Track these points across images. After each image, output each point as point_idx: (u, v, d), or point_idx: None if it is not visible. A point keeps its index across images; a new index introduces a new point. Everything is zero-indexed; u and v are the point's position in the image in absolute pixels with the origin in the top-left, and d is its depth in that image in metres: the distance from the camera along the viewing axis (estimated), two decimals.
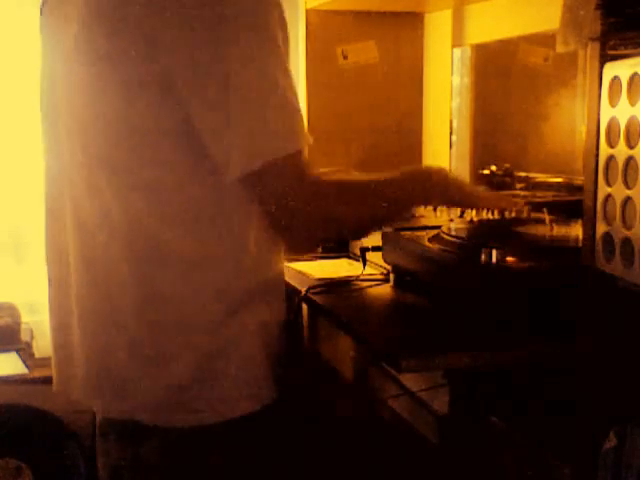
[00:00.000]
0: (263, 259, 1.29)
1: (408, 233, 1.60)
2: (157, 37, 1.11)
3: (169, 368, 1.21)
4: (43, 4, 1.37)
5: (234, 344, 1.25)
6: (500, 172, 2.33)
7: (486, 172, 2.36)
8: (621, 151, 1.06)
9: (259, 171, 1.14)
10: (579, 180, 1.26)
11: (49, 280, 1.36)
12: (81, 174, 1.26)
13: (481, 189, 1.56)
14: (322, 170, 1.30)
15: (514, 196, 2.04)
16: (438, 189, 1.40)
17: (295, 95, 1.18)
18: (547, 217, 1.59)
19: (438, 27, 2.61)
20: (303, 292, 1.58)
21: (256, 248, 1.27)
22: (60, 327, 1.34)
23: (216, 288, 1.23)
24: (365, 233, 1.44)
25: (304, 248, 1.25)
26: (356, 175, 1.39)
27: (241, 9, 1.12)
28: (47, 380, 2.47)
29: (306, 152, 1.18)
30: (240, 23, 1.11)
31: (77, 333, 1.28)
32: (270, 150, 1.13)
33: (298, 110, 1.18)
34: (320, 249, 2.00)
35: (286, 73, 1.17)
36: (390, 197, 1.30)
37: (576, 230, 1.47)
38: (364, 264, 1.66)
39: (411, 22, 2.65)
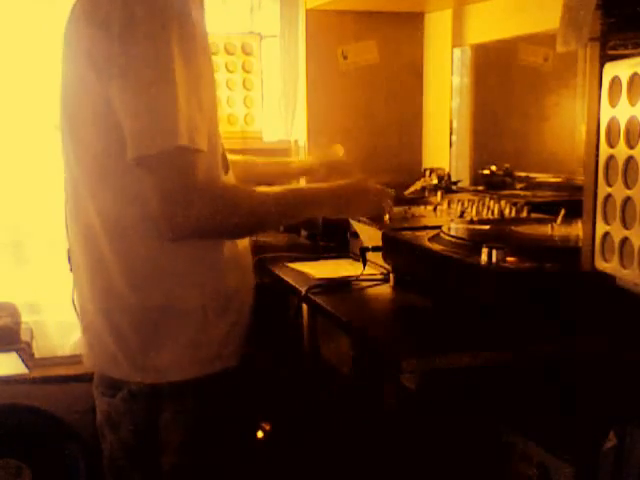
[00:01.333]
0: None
1: (408, 233, 1.60)
2: (101, 55, 1.32)
3: (134, 327, 1.42)
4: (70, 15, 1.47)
5: (195, 307, 1.42)
6: (500, 172, 2.33)
7: (486, 172, 2.37)
8: (621, 151, 1.06)
9: (143, 160, 1.29)
10: (579, 180, 1.25)
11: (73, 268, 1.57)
12: (76, 177, 1.46)
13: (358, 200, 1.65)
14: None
15: (514, 196, 2.05)
16: (309, 209, 1.58)
17: (193, 92, 1.31)
18: (560, 217, 1.60)
19: (438, 27, 2.61)
20: (303, 292, 1.58)
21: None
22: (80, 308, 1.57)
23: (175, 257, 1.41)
24: (242, 236, 1.52)
25: (174, 235, 1.35)
26: (243, 187, 1.50)
27: (145, 23, 1.30)
28: (47, 380, 2.48)
29: (195, 154, 1.31)
30: (144, 32, 1.30)
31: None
32: (152, 142, 1.28)
33: (182, 110, 1.29)
34: (320, 249, 2.00)
35: (188, 72, 1.31)
36: (270, 211, 1.46)
37: (576, 230, 1.47)
38: (364, 264, 1.66)
39: (411, 22, 2.65)
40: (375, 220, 1.71)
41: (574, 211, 1.35)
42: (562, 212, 1.61)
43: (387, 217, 1.71)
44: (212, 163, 1.39)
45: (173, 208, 1.30)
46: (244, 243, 1.54)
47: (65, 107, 1.45)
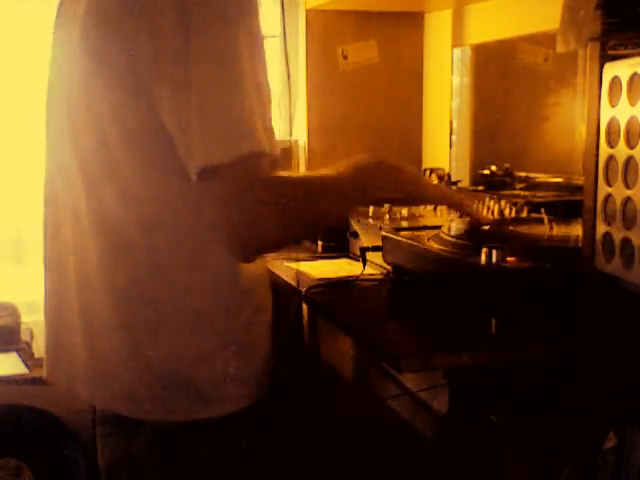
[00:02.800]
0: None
1: (408, 233, 1.60)
2: (130, 35, 1.12)
3: (147, 364, 1.20)
4: (59, 4, 1.37)
5: (217, 343, 1.23)
6: (500, 172, 2.33)
7: (486, 172, 2.36)
8: (621, 151, 1.06)
9: (214, 169, 1.11)
10: (579, 180, 1.25)
11: (45, 279, 1.36)
12: (75, 173, 1.26)
13: (437, 186, 1.52)
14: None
15: (515, 196, 2.04)
16: (390, 182, 1.35)
17: (261, 93, 1.17)
18: (546, 217, 1.59)
19: (438, 27, 2.61)
20: (303, 292, 1.58)
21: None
22: (53, 320, 1.35)
23: (199, 288, 1.22)
24: (316, 232, 1.39)
25: (251, 253, 1.19)
26: (306, 174, 1.36)
27: (206, 14, 1.10)
28: (47, 380, 2.48)
29: (267, 158, 1.15)
30: (208, 13, 1.10)
31: (75, 326, 1.28)
32: (222, 151, 1.11)
33: (256, 112, 1.14)
34: (320, 249, 2.00)
35: (255, 70, 1.16)
36: (342, 194, 1.27)
37: (576, 230, 1.47)
38: (364, 264, 1.66)
39: (411, 22, 2.65)
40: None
41: (574, 211, 1.35)
42: (543, 211, 1.60)
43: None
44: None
45: (247, 218, 1.12)
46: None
47: (69, 110, 1.27)
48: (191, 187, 1.14)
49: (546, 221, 1.58)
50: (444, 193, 1.52)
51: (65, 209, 1.29)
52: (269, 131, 1.17)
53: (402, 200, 1.54)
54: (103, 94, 1.18)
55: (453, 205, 1.55)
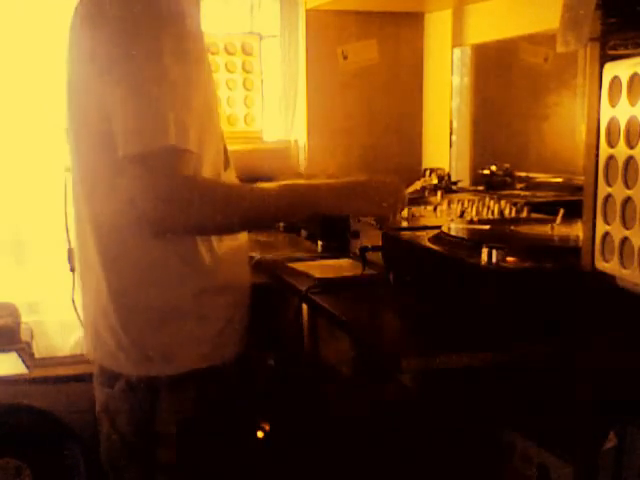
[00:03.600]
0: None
1: (408, 233, 1.60)
2: (97, 55, 1.35)
3: (128, 326, 1.46)
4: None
5: (187, 304, 1.46)
6: (500, 172, 2.34)
7: (486, 172, 2.37)
8: (621, 151, 1.06)
9: (135, 157, 1.31)
10: (579, 180, 1.25)
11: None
12: (78, 180, 1.49)
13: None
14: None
15: (514, 196, 2.05)
16: (307, 205, 1.53)
17: (177, 97, 1.33)
18: (559, 218, 1.59)
19: (438, 27, 2.61)
20: (303, 292, 1.58)
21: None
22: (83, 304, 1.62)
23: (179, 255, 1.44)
24: (230, 233, 1.53)
25: (158, 232, 1.39)
26: (232, 185, 1.52)
27: (137, 24, 1.34)
28: (47, 380, 2.48)
29: (188, 154, 1.33)
30: (135, 32, 1.33)
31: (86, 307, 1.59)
32: (141, 141, 1.31)
33: (174, 111, 1.31)
34: (320, 249, 2.00)
35: (182, 72, 1.33)
36: (257, 213, 1.46)
37: (576, 230, 1.47)
38: (364, 264, 1.66)
39: (411, 22, 2.66)
40: (379, 221, 1.69)
41: (574, 211, 1.35)
42: (561, 212, 1.61)
43: (393, 220, 1.68)
44: (207, 161, 1.41)
45: (160, 205, 1.32)
46: (240, 240, 1.56)
47: (69, 107, 1.47)
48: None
49: (559, 220, 1.58)
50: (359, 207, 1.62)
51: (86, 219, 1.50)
52: (186, 130, 1.32)
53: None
54: (80, 96, 1.43)
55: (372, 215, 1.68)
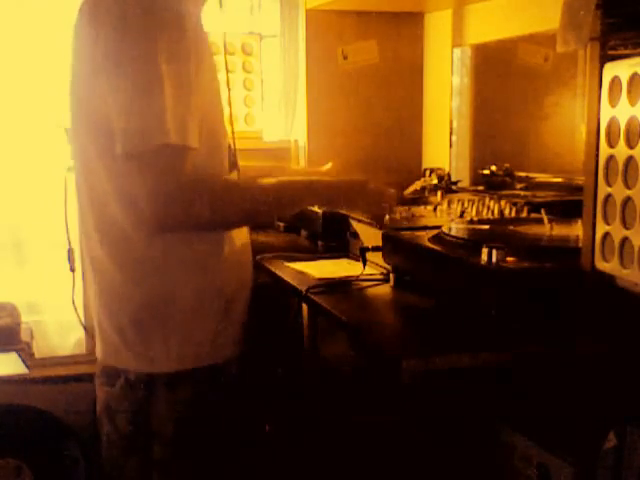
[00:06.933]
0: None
1: (408, 233, 1.60)
2: (97, 54, 1.36)
3: (131, 322, 1.47)
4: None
5: (187, 303, 1.46)
6: (500, 172, 2.33)
7: (486, 172, 2.36)
8: (621, 151, 1.06)
9: (134, 156, 1.32)
10: (579, 180, 1.25)
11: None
12: (81, 178, 1.50)
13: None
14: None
15: (515, 196, 2.05)
16: (307, 199, 1.60)
17: (177, 96, 1.33)
18: (545, 217, 1.59)
19: (438, 27, 2.61)
20: (303, 292, 1.58)
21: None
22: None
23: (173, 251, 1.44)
24: (231, 228, 1.54)
25: (155, 229, 1.40)
26: (236, 180, 1.55)
27: (136, 23, 1.35)
28: (47, 380, 2.48)
29: (189, 151, 1.34)
30: (135, 31, 1.34)
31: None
32: (141, 140, 1.32)
33: (172, 109, 1.32)
34: (320, 249, 2.00)
35: (177, 74, 1.34)
36: (263, 202, 1.47)
37: (576, 230, 1.47)
38: (364, 264, 1.66)
39: (411, 22, 2.65)
40: (374, 220, 1.71)
41: (574, 211, 1.35)
42: (543, 212, 1.60)
43: (387, 218, 1.70)
44: (209, 160, 1.42)
45: (160, 203, 1.32)
46: (243, 240, 1.56)
47: (71, 107, 1.48)
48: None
49: (546, 221, 1.58)
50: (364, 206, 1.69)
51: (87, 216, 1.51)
52: (186, 127, 1.34)
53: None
54: (81, 94, 1.43)
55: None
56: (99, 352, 1.57)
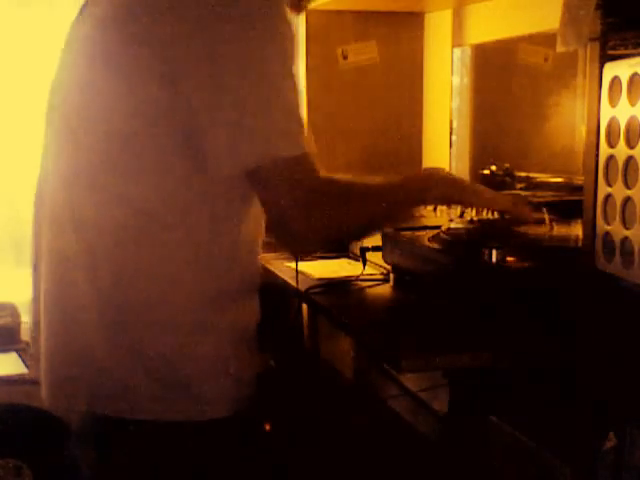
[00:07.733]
0: (244, 260, 1.32)
1: (408, 233, 1.60)
2: (161, 38, 1.14)
3: (132, 368, 1.23)
4: (84, 6, 1.36)
5: (202, 346, 1.26)
6: (500, 172, 2.33)
7: (486, 172, 2.36)
8: (621, 151, 1.06)
9: (256, 171, 1.16)
10: (579, 180, 1.25)
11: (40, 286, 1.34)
12: (80, 173, 1.27)
13: (482, 188, 1.53)
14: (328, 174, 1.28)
15: (514, 196, 2.04)
16: (439, 187, 1.40)
17: (295, 98, 1.19)
18: (547, 217, 1.59)
19: (438, 27, 2.61)
20: (303, 292, 1.58)
21: (238, 252, 1.30)
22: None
23: (190, 290, 1.25)
24: (366, 234, 1.45)
25: (304, 250, 1.30)
26: (358, 178, 1.36)
27: (244, 8, 1.14)
28: None
29: (312, 156, 1.19)
30: (241, 22, 1.14)
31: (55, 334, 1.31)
32: (264, 152, 1.15)
33: (295, 114, 1.18)
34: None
35: (289, 75, 1.18)
36: (392, 198, 1.32)
37: (576, 230, 1.47)
38: (364, 264, 1.66)
39: (411, 22, 2.65)
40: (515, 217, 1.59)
41: (574, 211, 1.35)
42: (545, 210, 1.60)
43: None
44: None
45: (313, 218, 1.18)
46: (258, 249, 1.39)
47: (79, 109, 1.27)
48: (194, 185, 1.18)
49: (547, 220, 1.58)
50: (493, 198, 1.53)
51: (62, 208, 1.28)
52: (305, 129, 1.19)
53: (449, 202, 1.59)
54: (116, 92, 1.19)
55: (503, 210, 1.55)
56: (86, 399, 1.27)
